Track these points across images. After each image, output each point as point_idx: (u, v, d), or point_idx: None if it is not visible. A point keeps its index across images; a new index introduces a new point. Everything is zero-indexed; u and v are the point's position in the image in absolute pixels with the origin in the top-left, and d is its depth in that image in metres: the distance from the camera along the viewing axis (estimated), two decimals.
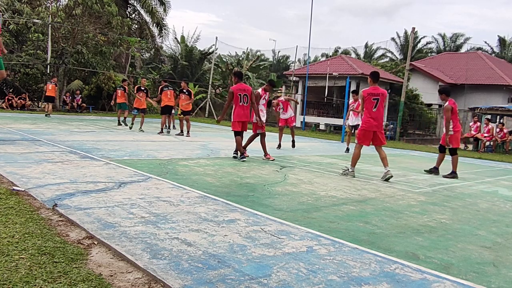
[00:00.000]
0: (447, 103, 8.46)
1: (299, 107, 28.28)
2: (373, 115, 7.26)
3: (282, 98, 12.32)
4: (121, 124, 15.84)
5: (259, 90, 9.27)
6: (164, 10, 29.89)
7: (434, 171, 8.85)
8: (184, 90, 13.64)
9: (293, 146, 11.81)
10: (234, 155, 8.78)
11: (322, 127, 26.52)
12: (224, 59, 36.34)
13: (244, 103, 8.47)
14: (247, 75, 32.47)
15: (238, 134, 8.58)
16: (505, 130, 18.29)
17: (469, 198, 6.34)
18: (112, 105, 19.19)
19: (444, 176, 8.51)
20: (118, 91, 16.27)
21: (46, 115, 17.52)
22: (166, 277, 2.63)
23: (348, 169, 7.59)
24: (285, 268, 2.93)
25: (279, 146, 11.74)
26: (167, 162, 7.50)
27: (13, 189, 4.51)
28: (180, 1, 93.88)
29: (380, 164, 7.74)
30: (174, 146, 10.34)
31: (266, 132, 9.30)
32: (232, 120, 8.68)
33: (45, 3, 22.80)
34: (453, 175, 8.55)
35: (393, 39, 42.96)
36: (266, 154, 9.00)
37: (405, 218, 4.74)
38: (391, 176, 7.23)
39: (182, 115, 13.74)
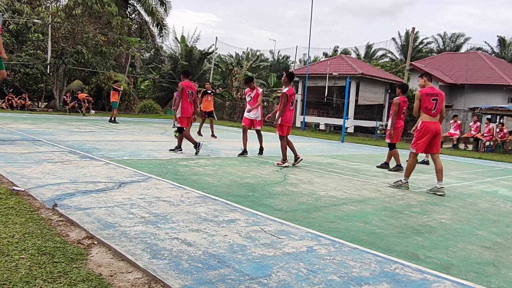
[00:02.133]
0: (397, 98, 8.75)
1: (299, 107, 28.28)
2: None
3: (260, 90, 9.52)
4: (117, 122, 16.83)
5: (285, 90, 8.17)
6: (165, 10, 29.91)
7: (399, 168, 8.81)
8: (209, 91, 13.76)
9: (261, 153, 9.62)
10: (172, 149, 8.94)
11: (322, 127, 26.52)
12: (224, 59, 36.38)
13: (191, 100, 8.91)
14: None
15: (183, 129, 8.93)
16: (505, 130, 18.28)
17: (469, 198, 6.34)
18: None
19: (390, 170, 8.89)
20: (111, 91, 17.71)
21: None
22: (166, 277, 2.63)
23: (401, 180, 6.77)
24: (285, 268, 2.93)
25: (244, 152, 9.28)
26: (167, 162, 7.50)
27: (13, 189, 4.51)
28: (180, 1, 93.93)
29: (368, 163, 7.73)
30: (174, 146, 10.33)
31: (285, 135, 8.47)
32: (179, 116, 8.89)
33: (45, 3, 22.79)
34: (397, 167, 8.81)
35: (393, 39, 42.96)
36: (295, 155, 8.43)
37: (405, 218, 4.74)
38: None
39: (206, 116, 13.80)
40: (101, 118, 17.97)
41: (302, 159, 8.51)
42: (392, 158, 9.06)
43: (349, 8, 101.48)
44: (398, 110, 8.68)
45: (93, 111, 21.68)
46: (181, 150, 8.96)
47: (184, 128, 9.02)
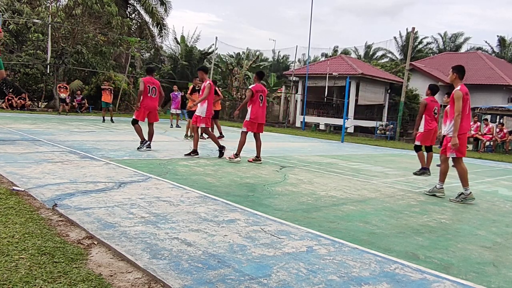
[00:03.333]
0: (425, 98, 8.64)
1: (299, 106, 28.28)
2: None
3: (207, 82, 8.59)
4: (104, 122, 16.95)
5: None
6: (165, 10, 29.90)
7: (425, 171, 8.63)
8: (196, 88, 12.47)
9: (187, 153, 8.66)
10: (141, 146, 8.82)
11: (322, 127, 26.53)
12: (224, 59, 36.38)
13: (153, 94, 8.95)
14: (247, 75, 32.48)
15: (137, 122, 8.95)
16: (505, 130, 18.27)
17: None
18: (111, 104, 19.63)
19: (414, 173, 8.63)
20: (107, 91, 17.68)
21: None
22: (166, 277, 2.64)
23: (435, 186, 6.38)
24: (285, 268, 2.93)
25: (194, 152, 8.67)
26: (167, 162, 7.50)
27: (13, 189, 4.51)
28: (180, 1, 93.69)
29: (368, 163, 7.71)
30: (174, 146, 10.34)
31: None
32: (138, 110, 8.99)
33: (45, 3, 22.80)
34: (423, 171, 8.57)
35: (395, 38, 42.94)
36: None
37: (405, 218, 4.74)
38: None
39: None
40: (100, 118, 17.96)
41: (239, 160, 8.31)
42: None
43: (349, 8, 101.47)
44: (427, 110, 8.32)
45: (62, 95, 20.59)
46: (148, 144, 8.83)
47: (139, 121, 8.96)
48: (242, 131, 8.40)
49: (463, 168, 6.02)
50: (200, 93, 8.80)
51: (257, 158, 8.46)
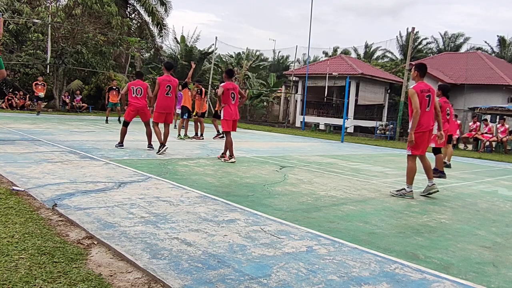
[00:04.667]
0: (438, 99, 8.09)
1: (299, 106, 28.28)
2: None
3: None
4: (107, 122, 16.69)
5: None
6: (165, 10, 29.90)
7: (441, 175, 8.40)
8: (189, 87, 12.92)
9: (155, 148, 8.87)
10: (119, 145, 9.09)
11: (322, 127, 26.53)
12: (224, 59, 36.39)
13: (138, 95, 9.18)
14: (247, 75, 32.49)
15: (126, 125, 9.25)
16: (506, 126, 18.20)
17: (469, 198, 6.34)
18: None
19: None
20: (114, 91, 17.24)
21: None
22: (166, 277, 2.64)
23: (404, 189, 6.06)
24: (285, 268, 2.93)
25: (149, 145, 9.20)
26: (167, 162, 7.50)
27: (13, 189, 4.51)
28: (180, 1, 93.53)
29: (368, 163, 7.70)
30: (174, 146, 10.33)
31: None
32: (126, 110, 9.42)
33: (45, 3, 22.80)
34: (440, 174, 8.19)
35: (397, 38, 42.92)
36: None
37: (405, 218, 4.74)
38: (437, 191, 6.17)
39: (196, 116, 13.10)
40: (101, 118, 17.96)
41: (234, 160, 8.23)
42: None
43: (351, 8, 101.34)
44: (441, 112, 8.02)
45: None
46: (122, 145, 9.08)
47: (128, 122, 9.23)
48: (225, 132, 8.42)
49: (413, 167, 5.98)
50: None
51: (225, 156, 8.36)
